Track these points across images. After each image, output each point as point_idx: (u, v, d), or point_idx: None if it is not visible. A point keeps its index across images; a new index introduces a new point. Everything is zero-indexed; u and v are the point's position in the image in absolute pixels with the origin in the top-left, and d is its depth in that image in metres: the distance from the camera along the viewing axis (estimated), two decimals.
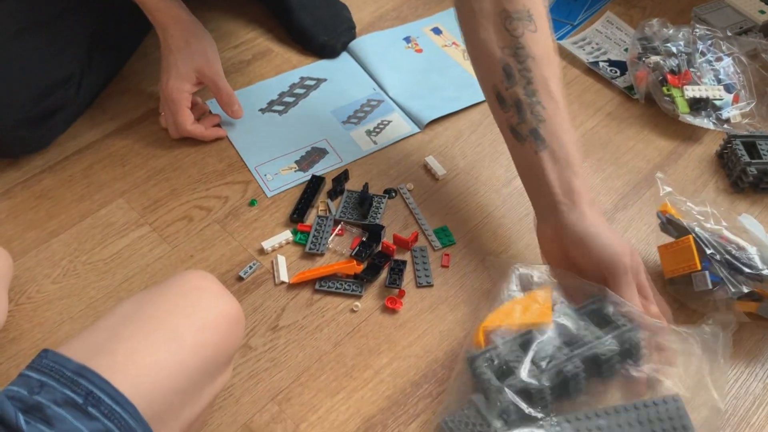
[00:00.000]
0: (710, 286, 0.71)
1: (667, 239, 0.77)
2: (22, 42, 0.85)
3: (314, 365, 0.72)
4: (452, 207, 0.86)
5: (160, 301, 0.57)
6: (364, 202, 0.84)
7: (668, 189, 0.78)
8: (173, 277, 0.60)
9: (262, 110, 0.96)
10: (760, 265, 0.69)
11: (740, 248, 0.71)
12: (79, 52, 0.90)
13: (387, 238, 0.82)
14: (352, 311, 0.76)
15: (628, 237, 0.83)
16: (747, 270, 0.69)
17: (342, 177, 0.87)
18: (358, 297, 0.77)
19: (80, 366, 0.48)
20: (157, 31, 0.89)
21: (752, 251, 0.71)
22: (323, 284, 0.78)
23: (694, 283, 0.72)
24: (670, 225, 0.76)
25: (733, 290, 0.69)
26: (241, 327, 0.60)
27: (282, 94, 0.98)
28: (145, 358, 0.52)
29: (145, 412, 0.48)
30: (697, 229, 0.73)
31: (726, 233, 0.73)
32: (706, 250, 0.71)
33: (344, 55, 1.04)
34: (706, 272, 0.71)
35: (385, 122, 0.95)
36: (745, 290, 0.69)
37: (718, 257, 0.70)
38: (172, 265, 0.80)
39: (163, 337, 0.54)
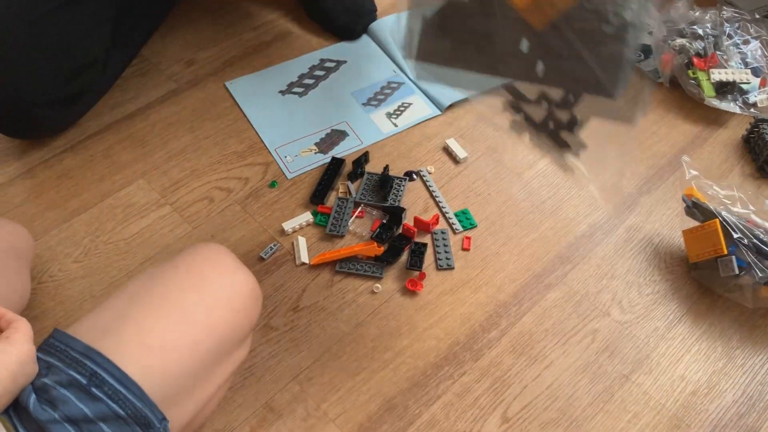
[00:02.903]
0: (737, 271, 0.70)
1: (692, 223, 0.76)
2: (49, 25, 0.85)
3: (335, 346, 0.72)
4: (473, 190, 0.85)
5: (170, 278, 0.56)
6: (384, 184, 0.84)
7: (694, 173, 0.77)
8: (186, 250, 0.58)
9: (282, 92, 0.96)
10: None
11: (767, 232, 0.70)
12: (103, 34, 0.90)
13: (408, 221, 0.81)
14: (373, 293, 0.76)
15: (651, 221, 0.82)
16: None
17: (362, 159, 0.87)
18: (379, 279, 0.77)
19: (86, 347, 0.47)
20: None
21: None
22: (344, 266, 0.77)
23: (720, 268, 0.71)
24: (695, 209, 0.75)
25: (760, 275, 0.68)
26: (257, 303, 0.59)
27: (302, 76, 0.98)
28: (155, 338, 0.51)
29: (154, 393, 0.48)
30: (723, 213, 0.72)
31: (754, 217, 0.72)
32: (733, 234, 0.70)
33: (364, 37, 1.03)
34: (733, 257, 0.70)
35: (406, 104, 0.94)
36: None
37: (745, 242, 0.69)
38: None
39: (173, 316, 0.53)
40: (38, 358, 0.47)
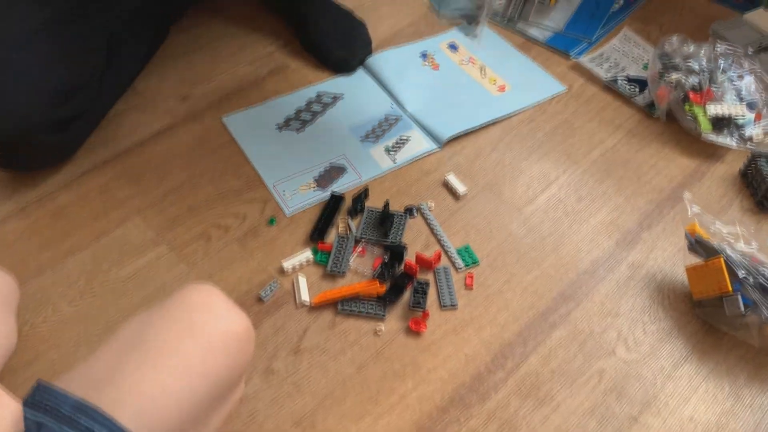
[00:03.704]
0: (743, 310, 0.69)
1: (695, 260, 0.76)
2: (40, 44, 0.83)
3: (338, 389, 0.70)
4: (474, 226, 0.84)
5: (164, 323, 0.54)
6: (385, 220, 0.83)
7: (696, 209, 0.77)
8: (177, 292, 0.57)
9: (280, 127, 0.95)
10: None
11: None
12: (97, 56, 0.89)
13: (409, 257, 0.80)
14: (376, 334, 0.74)
15: (654, 257, 0.82)
16: None
17: (362, 195, 0.86)
18: (382, 319, 0.76)
19: (79, 402, 0.46)
20: None
21: None
22: (345, 306, 0.76)
23: (725, 307, 0.71)
24: (698, 246, 0.75)
25: (767, 314, 0.68)
26: (250, 343, 0.58)
27: (299, 111, 0.97)
28: (152, 387, 0.50)
29: None
30: (727, 250, 0.72)
31: (757, 255, 0.72)
32: (738, 272, 0.70)
33: (361, 71, 1.03)
34: (739, 295, 0.70)
35: (404, 139, 0.94)
36: None
37: (750, 280, 0.69)
38: None
39: (169, 364, 0.51)
40: (26, 418, 0.45)
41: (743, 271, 0.70)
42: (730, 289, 0.70)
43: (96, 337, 0.74)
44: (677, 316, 0.76)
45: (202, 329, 0.55)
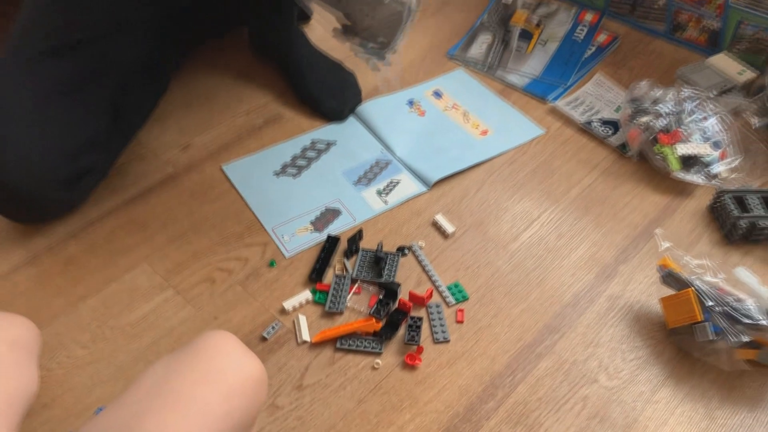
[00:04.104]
0: (712, 337, 0.75)
1: (668, 291, 0.82)
2: (54, 106, 0.89)
3: (340, 423, 0.75)
4: (463, 263, 0.90)
5: (184, 370, 0.58)
6: (379, 260, 0.88)
7: (667, 244, 0.83)
8: (196, 339, 0.61)
9: (277, 173, 1.01)
10: (757, 315, 0.74)
11: (738, 300, 0.76)
12: (104, 116, 0.94)
13: (403, 295, 0.85)
14: (374, 368, 0.79)
15: (631, 289, 0.88)
16: (746, 320, 0.74)
17: (356, 236, 0.91)
18: (378, 354, 0.80)
19: None
20: None
21: (749, 302, 0.75)
22: (344, 342, 0.81)
23: (695, 334, 0.77)
24: (670, 278, 0.80)
25: (733, 340, 0.74)
26: (265, 387, 0.62)
27: (294, 158, 1.03)
28: (175, 429, 0.54)
29: None
30: (696, 282, 0.78)
31: (724, 285, 0.78)
32: (706, 302, 0.76)
33: (352, 119, 1.09)
34: (708, 323, 0.75)
35: (394, 182, 1.00)
36: (745, 339, 0.74)
37: (718, 309, 0.75)
38: (198, 327, 0.83)
39: (191, 409, 0.55)
40: None
41: (711, 301, 0.76)
42: (700, 317, 0.76)
43: (109, 378, 0.78)
44: (654, 344, 0.82)
45: (222, 375, 0.59)
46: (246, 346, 0.62)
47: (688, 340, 0.79)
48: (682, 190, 1.00)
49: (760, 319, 0.74)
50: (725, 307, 0.75)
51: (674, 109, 1.03)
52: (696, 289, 0.77)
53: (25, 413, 0.71)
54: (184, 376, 0.58)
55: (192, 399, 0.56)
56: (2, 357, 0.66)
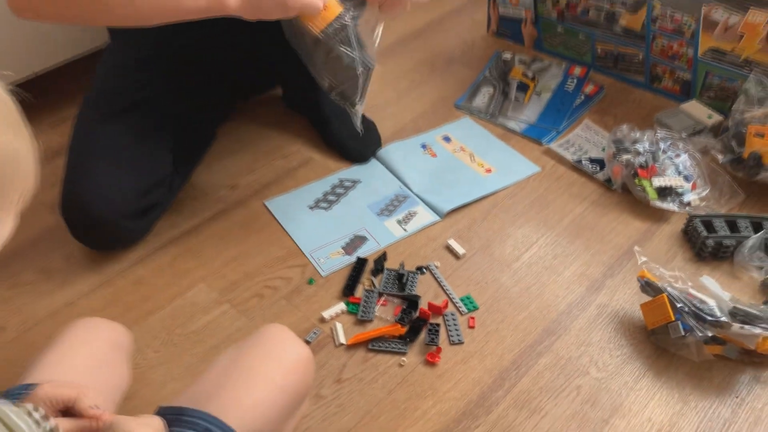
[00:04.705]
0: (682, 333, 0.90)
1: (647, 298, 0.97)
2: (127, 151, 1.07)
3: (374, 409, 0.89)
4: (473, 279, 1.06)
5: (251, 352, 0.74)
6: (401, 277, 1.04)
7: (644, 258, 0.99)
8: (257, 331, 0.77)
9: (311, 207, 1.18)
10: (718, 313, 0.89)
11: (702, 302, 0.91)
12: (166, 160, 1.12)
13: (423, 306, 1.01)
14: (400, 365, 0.94)
15: (616, 299, 1.03)
16: (709, 318, 0.89)
17: (381, 258, 1.08)
18: (404, 354, 0.95)
19: (196, 410, 0.64)
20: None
21: (712, 303, 0.91)
22: (375, 344, 0.96)
23: (670, 332, 0.92)
24: (648, 287, 0.96)
25: (700, 335, 0.89)
26: (312, 367, 0.77)
27: (326, 194, 1.20)
28: (247, 399, 0.68)
29: None
30: (668, 288, 0.93)
31: (691, 291, 0.93)
32: (677, 304, 0.91)
33: (374, 161, 1.27)
34: (679, 322, 0.91)
35: (412, 213, 1.16)
36: (710, 334, 0.89)
37: (686, 309, 0.90)
38: (251, 334, 0.98)
39: (258, 381, 0.70)
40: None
41: (681, 303, 0.91)
42: (672, 317, 0.91)
43: (178, 376, 0.93)
44: (636, 343, 0.97)
45: (280, 355, 0.74)
46: (297, 336, 0.77)
47: (664, 338, 0.94)
48: (660, 216, 1.16)
49: (720, 317, 0.89)
50: (692, 308, 0.90)
51: (651, 148, 1.20)
52: (668, 294, 0.92)
53: (120, 402, 0.86)
54: (251, 357, 0.73)
55: (258, 374, 0.71)
56: (107, 356, 0.82)
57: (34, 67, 1.31)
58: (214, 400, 0.67)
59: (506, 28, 1.60)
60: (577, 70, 1.47)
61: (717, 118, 1.30)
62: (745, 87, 1.23)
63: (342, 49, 0.95)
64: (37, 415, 0.46)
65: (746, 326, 0.89)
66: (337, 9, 0.93)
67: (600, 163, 1.25)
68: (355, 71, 0.99)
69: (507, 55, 1.52)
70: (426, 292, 1.04)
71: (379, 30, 1.01)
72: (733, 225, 1.09)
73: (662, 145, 1.21)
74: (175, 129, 1.15)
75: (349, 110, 1.07)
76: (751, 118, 1.18)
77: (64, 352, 0.78)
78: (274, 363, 0.73)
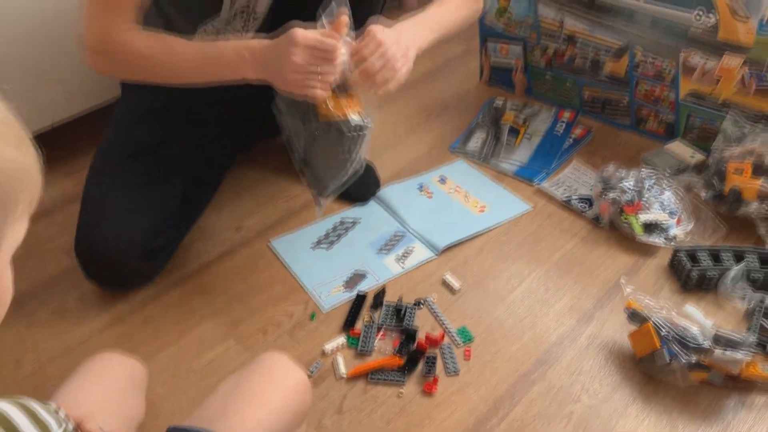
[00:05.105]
0: (668, 360, 0.94)
1: (635, 328, 1.01)
2: (138, 195, 1.13)
3: None
4: (468, 312, 1.10)
5: (252, 378, 0.79)
6: (399, 311, 1.09)
7: (630, 289, 1.04)
8: (257, 358, 0.82)
9: (313, 246, 1.23)
10: (701, 340, 0.93)
11: (686, 329, 0.95)
12: (176, 203, 1.17)
13: (420, 338, 1.05)
14: (399, 396, 0.98)
15: (606, 329, 1.07)
16: (692, 344, 0.93)
17: (380, 293, 1.13)
18: (402, 384, 0.99)
19: (204, 430, 0.69)
20: (239, 60, 1.00)
21: (695, 330, 0.95)
22: (374, 376, 1.00)
23: (656, 359, 0.96)
24: (634, 316, 1.00)
25: (684, 361, 0.93)
26: (310, 391, 0.81)
27: (327, 233, 1.26)
28: (250, 418, 0.73)
29: None
30: (653, 317, 0.98)
31: (675, 319, 0.98)
32: (662, 332, 0.95)
33: (372, 201, 1.33)
34: (664, 349, 0.95)
35: (410, 250, 1.22)
36: (694, 360, 0.93)
37: (671, 336, 0.95)
38: None
39: (260, 403, 0.75)
40: None
41: (665, 331, 0.95)
42: (658, 345, 0.95)
43: (185, 408, 0.97)
44: (625, 371, 1.01)
45: (279, 380, 0.79)
46: (294, 362, 0.82)
47: (651, 366, 0.98)
48: (646, 250, 1.21)
49: (703, 343, 0.93)
50: (676, 335, 0.95)
51: (636, 186, 1.25)
52: (653, 323, 0.97)
53: None
54: (252, 382, 0.78)
55: (259, 396, 0.76)
56: (123, 389, 0.86)
57: (52, 117, 1.39)
58: (220, 420, 0.72)
59: (498, 77, 1.69)
60: (566, 115, 1.55)
61: (700, 157, 1.37)
62: (723, 127, 1.29)
63: (347, 149, 1.02)
64: (62, 414, 0.51)
65: (729, 351, 0.93)
66: (357, 105, 1.00)
67: (589, 201, 1.31)
68: (343, 169, 1.05)
69: (499, 102, 1.60)
70: (423, 324, 1.08)
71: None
72: (716, 257, 1.14)
73: (647, 183, 1.26)
74: (185, 174, 1.21)
75: (313, 196, 1.12)
76: (730, 155, 1.24)
77: (82, 385, 0.84)
78: (273, 386, 0.78)
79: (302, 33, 0.94)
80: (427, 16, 1.10)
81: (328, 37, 0.94)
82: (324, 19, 0.96)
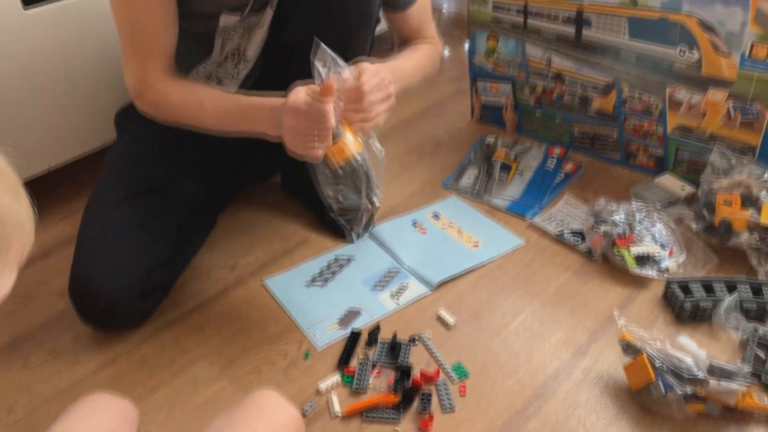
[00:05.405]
0: (663, 391, 0.94)
1: (630, 360, 1.01)
2: (131, 236, 1.14)
3: None
4: (463, 347, 1.10)
5: (241, 415, 0.79)
6: (394, 348, 1.09)
7: (623, 321, 1.04)
8: (247, 396, 0.82)
9: (308, 284, 1.24)
10: (696, 370, 0.93)
11: (680, 360, 0.95)
12: (169, 243, 1.18)
13: (415, 374, 1.05)
14: None
15: (601, 362, 1.07)
16: (687, 375, 0.93)
17: (375, 330, 1.12)
18: (398, 422, 0.99)
19: None
20: (260, 119, 1.07)
21: (690, 361, 0.95)
22: (369, 414, 1.00)
23: (651, 391, 0.95)
24: (628, 348, 1.00)
25: (679, 392, 0.93)
26: (302, 426, 0.81)
27: (322, 271, 1.26)
28: None
29: None
30: (648, 349, 0.98)
31: (669, 350, 0.98)
32: (656, 363, 0.95)
33: (367, 238, 1.34)
34: (659, 381, 0.94)
35: (404, 286, 1.22)
36: (689, 391, 0.93)
37: (665, 368, 0.95)
38: None
39: None
40: None
41: (659, 362, 0.95)
42: (653, 376, 0.95)
43: None
44: (621, 404, 1.00)
45: (271, 416, 0.79)
46: (286, 399, 0.82)
47: (647, 398, 0.98)
48: (640, 282, 1.21)
49: (698, 373, 0.93)
50: (671, 366, 0.94)
51: (627, 219, 1.27)
52: (648, 354, 0.97)
53: None
54: (243, 419, 0.78)
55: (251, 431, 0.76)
56: (114, 430, 0.86)
57: (48, 162, 1.41)
58: None
59: (489, 115, 1.72)
60: (557, 151, 1.57)
61: (690, 189, 1.38)
62: (711, 159, 1.31)
63: (351, 185, 1.07)
64: None
65: (724, 382, 0.92)
66: (348, 152, 1.04)
67: (581, 235, 1.32)
68: (360, 206, 1.10)
69: (490, 139, 1.62)
70: (418, 361, 1.08)
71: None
72: (709, 288, 1.15)
73: (638, 216, 1.28)
74: (179, 213, 1.22)
75: (345, 231, 1.21)
76: (719, 187, 1.26)
77: (73, 426, 0.83)
78: (264, 423, 0.78)
79: (293, 101, 0.99)
80: (397, 67, 1.17)
81: (318, 100, 0.98)
82: (318, 67, 0.99)
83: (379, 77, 1.05)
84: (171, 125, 1.13)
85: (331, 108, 0.98)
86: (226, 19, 1.13)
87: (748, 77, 1.26)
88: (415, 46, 1.29)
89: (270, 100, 1.06)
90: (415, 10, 1.28)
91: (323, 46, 0.99)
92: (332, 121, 0.99)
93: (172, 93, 1.10)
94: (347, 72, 1.01)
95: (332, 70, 1.00)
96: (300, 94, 1.00)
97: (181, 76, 1.13)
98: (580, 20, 1.44)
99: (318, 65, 0.99)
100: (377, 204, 1.11)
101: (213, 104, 1.09)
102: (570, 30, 1.46)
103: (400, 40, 1.34)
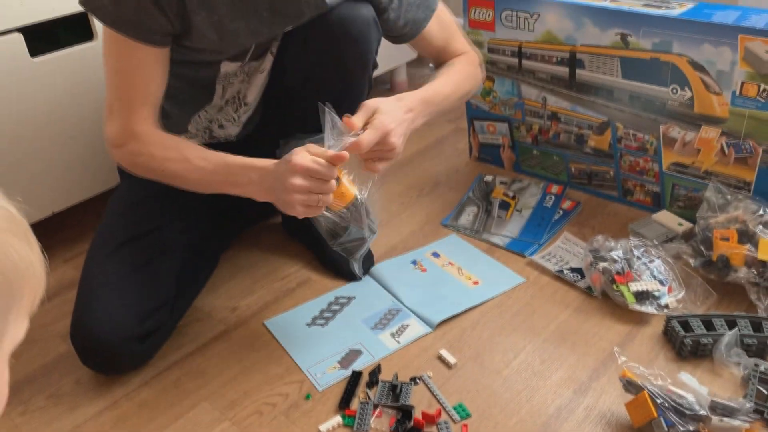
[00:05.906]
0: (666, 429, 0.93)
1: (631, 398, 1.01)
2: (131, 279, 1.15)
3: None
4: (465, 387, 1.10)
5: None
6: (395, 389, 1.09)
7: (624, 358, 1.04)
8: None
9: (308, 324, 1.24)
10: (697, 407, 0.93)
11: (681, 397, 0.95)
12: (169, 286, 1.19)
13: (416, 415, 1.04)
14: None
15: (603, 400, 1.06)
16: (688, 412, 0.93)
17: (376, 370, 1.12)
18: None
19: None
20: (247, 181, 1.06)
21: (691, 398, 0.95)
22: None
23: (654, 428, 0.95)
24: (629, 385, 1.00)
25: (682, 429, 0.92)
26: None
27: (322, 311, 1.27)
28: None
29: None
30: (649, 386, 0.98)
31: (670, 387, 0.97)
32: (658, 400, 0.95)
33: (367, 278, 1.34)
34: (661, 418, 0.94)
35: (405, 326, 1.22)
36: (692, 428, 0.92)
37: (667, 405, 0.94)
38: None
39: None
40: None
41: (661, 399, 0.95)
42: (655, 414, 0.95)
43: None
44: None
45: None
46: None
47: None
48: (640, 319, 1.22)
49: (699, 410, 0.93)
50: (672, 403, 0.94)
51: (625, 256, 1.27)
52: (649, 392, 0.97)
53: None
54: None
55: None
56: None
57: (52, 207, 1.43)
58: None
59: (486, 154, 1.74)
60: (555, 188, 1.59)
61: (687, 225, 1.39)
62: (706, 195, 1.33)
63: (353, 224, 1.11)
64: None
65: (726, 419, 0.92)
66: (349, 196, 1.06)
67: (580, 272, 1.32)
68: (363, 237, 1.13)
69: (488, 178, 1.64)
70: (420, 401, 1.08)
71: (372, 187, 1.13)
72: (708, 324, 1.15)
73: (636, 252, 1.28)
74: (180, 255, 1.23)
75: (350, 264, 1.22)
76: (715, 223, 1.27)
77: None
78: None
79: (301, 161, 0.98)
80: (429, 93, 1.17)
81: (325, 164, 0.99)
82: (327, 131, 1.02)
83: (383, 131, 1.03)
84: (149, 180, 1.12)
85: (336, 172, 1.01)
86: (227, 66, 1.17)
87: (740, 114, 1.29)
88: (449, 64, 1.27)
89: (260, 161, 1.05)
90: (435, 29, 1.27)
91: (329, 110, 1.00)
92: (334, 183, 1.01)
93: (157, 144, 1.07)
94: (351, 139, 1.02)
95: (338, 133, 1.02)
96: (304, 155, 0.99)
97: (165, 130, 1.11)
98: (573, 61, 1.47)
99: (326, 128, 1.01)
100: (376, 231, 1.14)
101: (198, 160, 1.06)
102: (564, 71, 1.50)
103: (432, 60, 1.35)
